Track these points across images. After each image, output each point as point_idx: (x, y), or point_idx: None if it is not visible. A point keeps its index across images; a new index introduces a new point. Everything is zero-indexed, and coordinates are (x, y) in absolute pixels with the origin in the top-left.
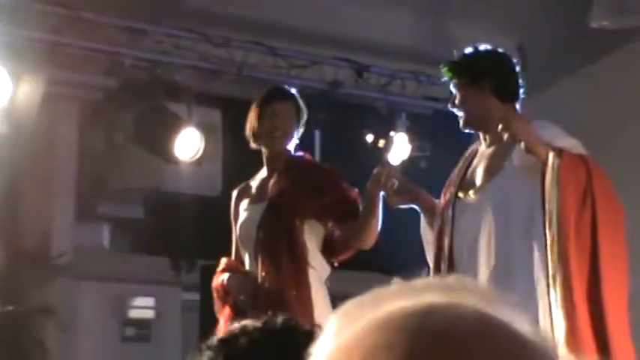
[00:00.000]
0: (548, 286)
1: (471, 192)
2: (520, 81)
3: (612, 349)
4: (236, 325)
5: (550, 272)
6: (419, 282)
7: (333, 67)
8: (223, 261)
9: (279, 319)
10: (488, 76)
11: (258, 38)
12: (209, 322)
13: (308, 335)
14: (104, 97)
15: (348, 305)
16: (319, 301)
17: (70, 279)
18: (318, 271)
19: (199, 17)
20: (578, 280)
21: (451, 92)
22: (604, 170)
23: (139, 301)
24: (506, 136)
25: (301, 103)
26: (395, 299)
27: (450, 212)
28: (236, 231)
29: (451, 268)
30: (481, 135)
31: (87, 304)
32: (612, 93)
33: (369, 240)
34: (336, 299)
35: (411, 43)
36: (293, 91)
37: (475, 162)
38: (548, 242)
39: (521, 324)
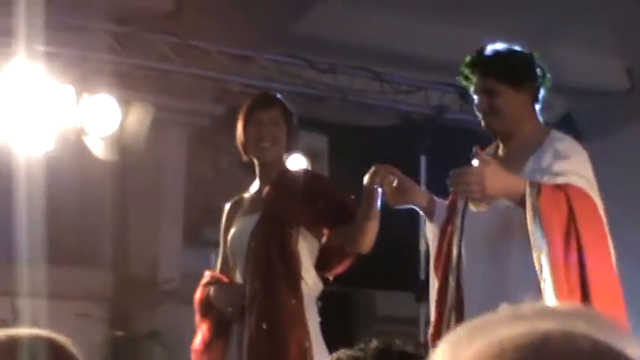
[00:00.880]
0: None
1: (482, 202)
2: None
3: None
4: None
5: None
6: (527, 308)
7: (439, 91)
8: (207, 274)
9: (374, 343)
10: (530, 80)
11: (364, 64)
12: None
13: (414, 358)
14: (211, 124)
15: (458, 331)
16: (311, 316)
17: (177, 303)
18: (310, 285)
19: (305, 43)
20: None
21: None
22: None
23: None
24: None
25: (289, 107)
26: (505, 327)
27: (459, 221)
28: (226, 243)
29: (459, 280)
30: (500, 141)
31: (193, 328)
32: None
33: (367, 242)
34: None
35: None
36: (278, 96)
37: None
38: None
39: (632, 350)
